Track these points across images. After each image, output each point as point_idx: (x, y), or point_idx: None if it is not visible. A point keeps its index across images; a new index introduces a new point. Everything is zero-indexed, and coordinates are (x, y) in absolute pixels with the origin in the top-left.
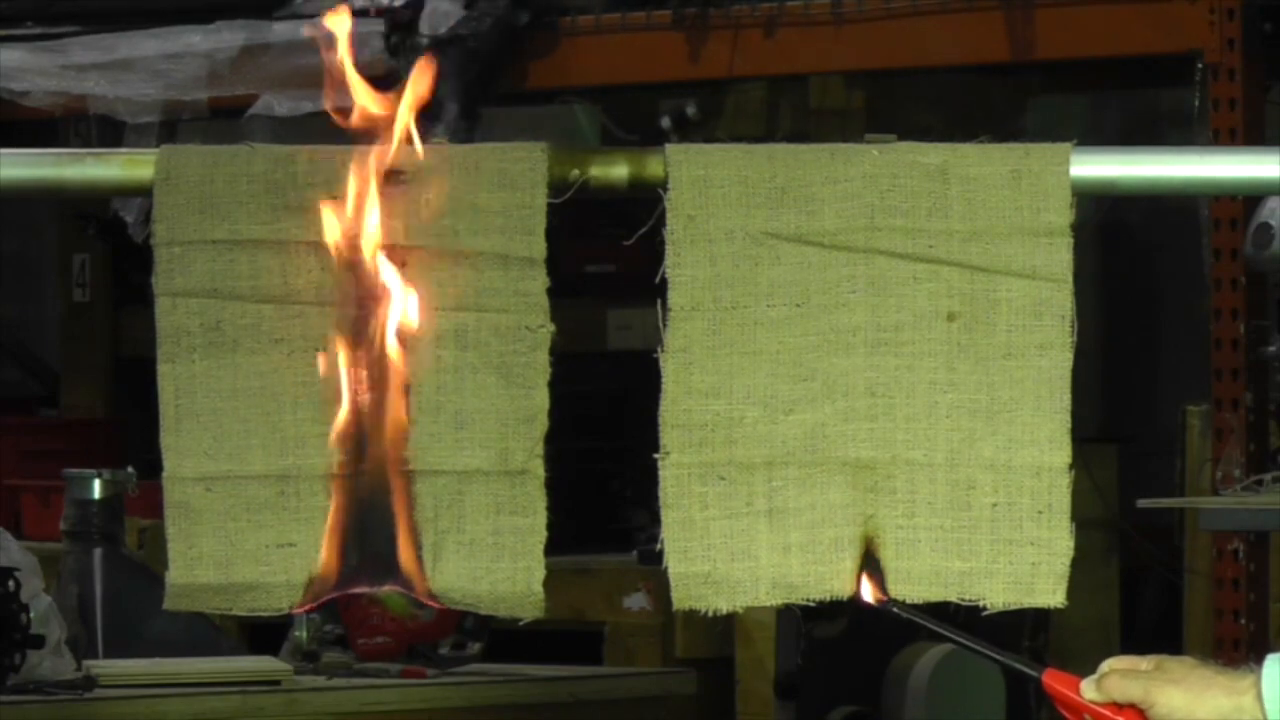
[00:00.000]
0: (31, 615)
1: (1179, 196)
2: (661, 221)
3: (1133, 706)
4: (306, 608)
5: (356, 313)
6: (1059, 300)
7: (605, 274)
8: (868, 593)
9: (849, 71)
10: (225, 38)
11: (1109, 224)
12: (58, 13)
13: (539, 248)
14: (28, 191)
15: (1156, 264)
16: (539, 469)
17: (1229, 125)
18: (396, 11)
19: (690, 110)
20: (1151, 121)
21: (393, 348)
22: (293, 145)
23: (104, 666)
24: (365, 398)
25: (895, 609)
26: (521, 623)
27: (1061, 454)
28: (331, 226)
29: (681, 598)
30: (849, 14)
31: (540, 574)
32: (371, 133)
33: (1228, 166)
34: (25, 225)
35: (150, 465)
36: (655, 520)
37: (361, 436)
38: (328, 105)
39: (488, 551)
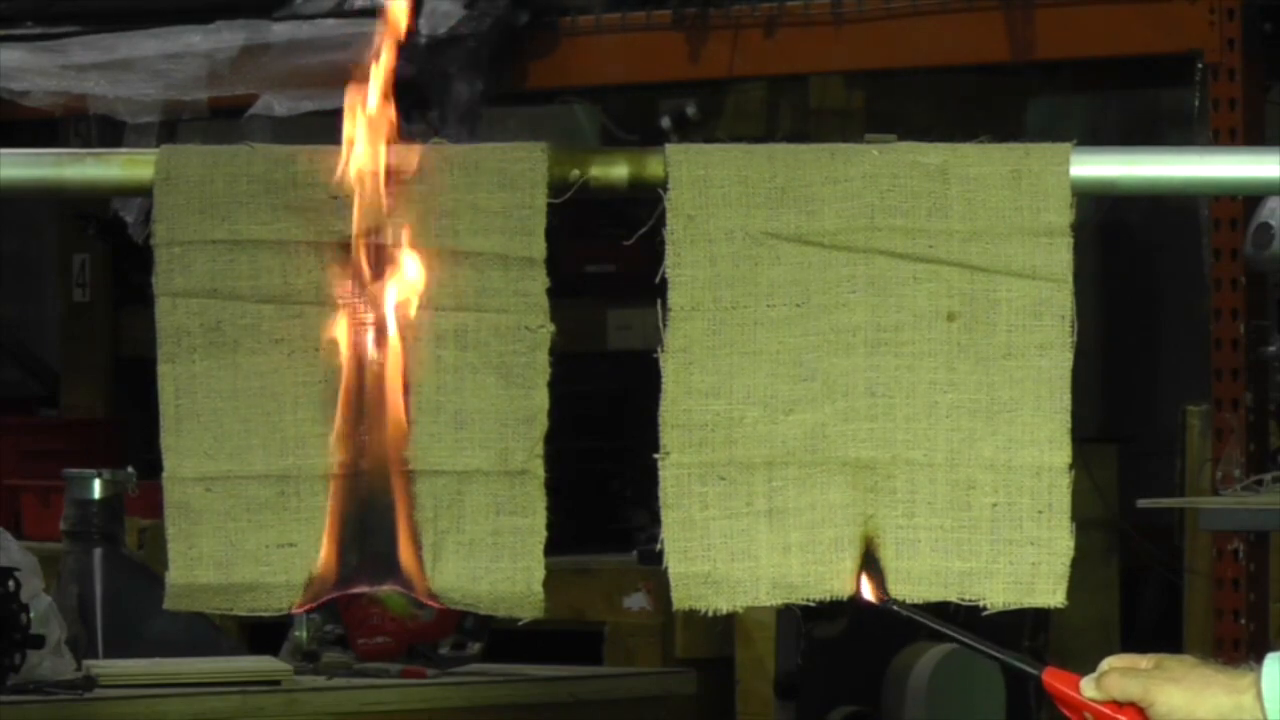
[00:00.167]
0: (31, 615)
1: (1179, 196)
2: (661, 221)
3: (1132, 705)
4: (306, 608)
5: (357, 313)
6: (1059, 300)
7: (605, 274)
8: (868, 593)
9: (849, 71)
10: (225, 38)
11: (1109, 224)
12: (58, 13)
13: (539, 248)
14: (28, 191)
15: (1156, 264)
16: (539, 469)
17: (1229, 125)
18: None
19: (690, 110)
20: (1151, 121)
21: (393, 348)
22: (293, 145)
23: (104, 666)
24: (365, 398)
25: (895, 609)
26: (521, 623)
27: (1061, 454)
28: (331, 226)
29: (681, 598)
30: (849, 14)
31: (540, 574)
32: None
33: (1228, 166)
34: (25, 225)
35: (150, 465)
36: (655, 520)
37: (361, 436)
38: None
39: (487, 551)
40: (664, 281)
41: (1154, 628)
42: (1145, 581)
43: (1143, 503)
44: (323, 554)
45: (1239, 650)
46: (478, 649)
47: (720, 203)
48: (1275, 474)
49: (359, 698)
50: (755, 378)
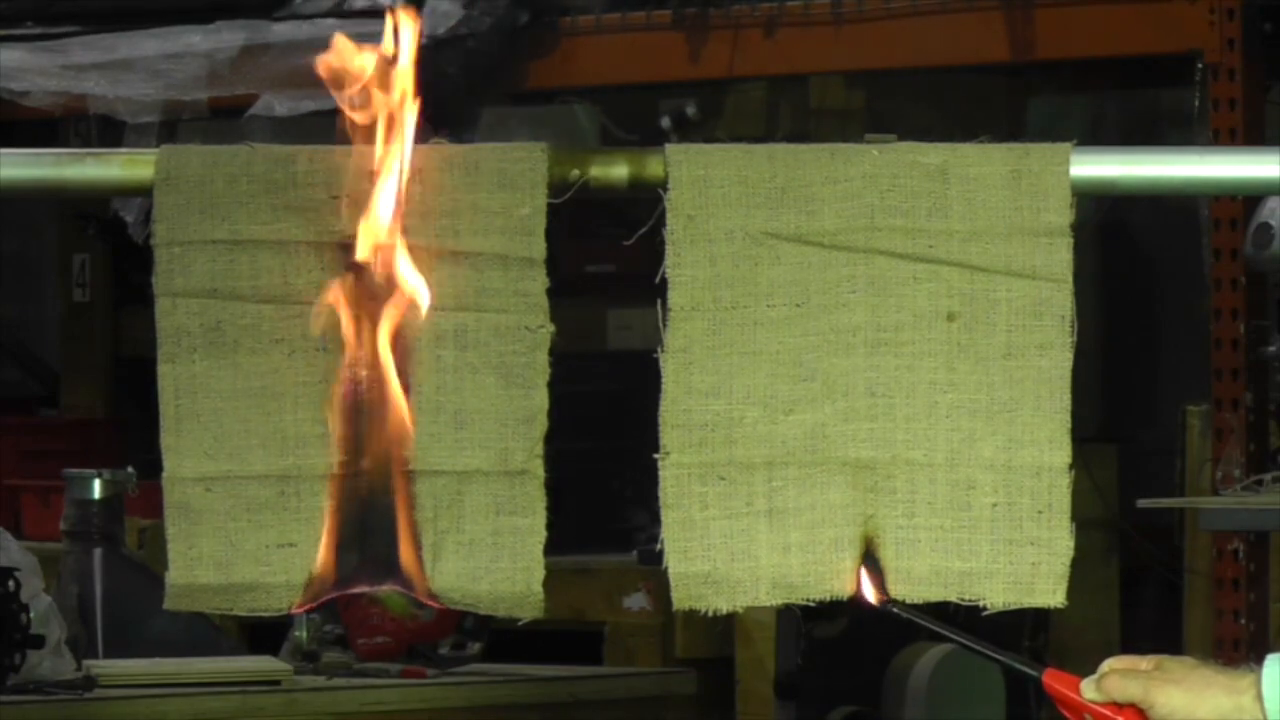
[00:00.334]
0: (31, 615)
1: (1179, 196)
2: (661, 221)
3: (1133, 706)
4: (306, 608)
5: (357, 313)
6: (1059, 300)
7: (605, 274)
8: (868, 593)
9: (849, 71)
10: (225, 38)
11: (1109, 224)
12: (58, 13)
13: (539, 248)
14: (28, 191)
15: (1156, 264)
16: (539, 469)
17: (1229, 125)
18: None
19: (690, 110)
20: (1151, 121)
21: (393, 348)
22: (293, 145)
23: (104, 666)
24: (365, 398)
25: (895, 609)
26: (521, 623)
27: (1061, 454)
28: (331, 226)
29: (681, 598)
30: (849, 14)
31: (540, 574)
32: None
33: (1228, 166)
34: (25, 225)
35: (150, 465)
36: (655, 520)
37: (361, 436)
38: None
39: (487, 551)
40: (664, 281)
41: (1154, 628)
42: (1145, 582)
43: (1143, 503)
44: (322, 554)
45: (1239, 650)
46: (478, 649)
47: (720, 203)
48: (1275, 474)
49: (359, 698)
50: (755, 378)
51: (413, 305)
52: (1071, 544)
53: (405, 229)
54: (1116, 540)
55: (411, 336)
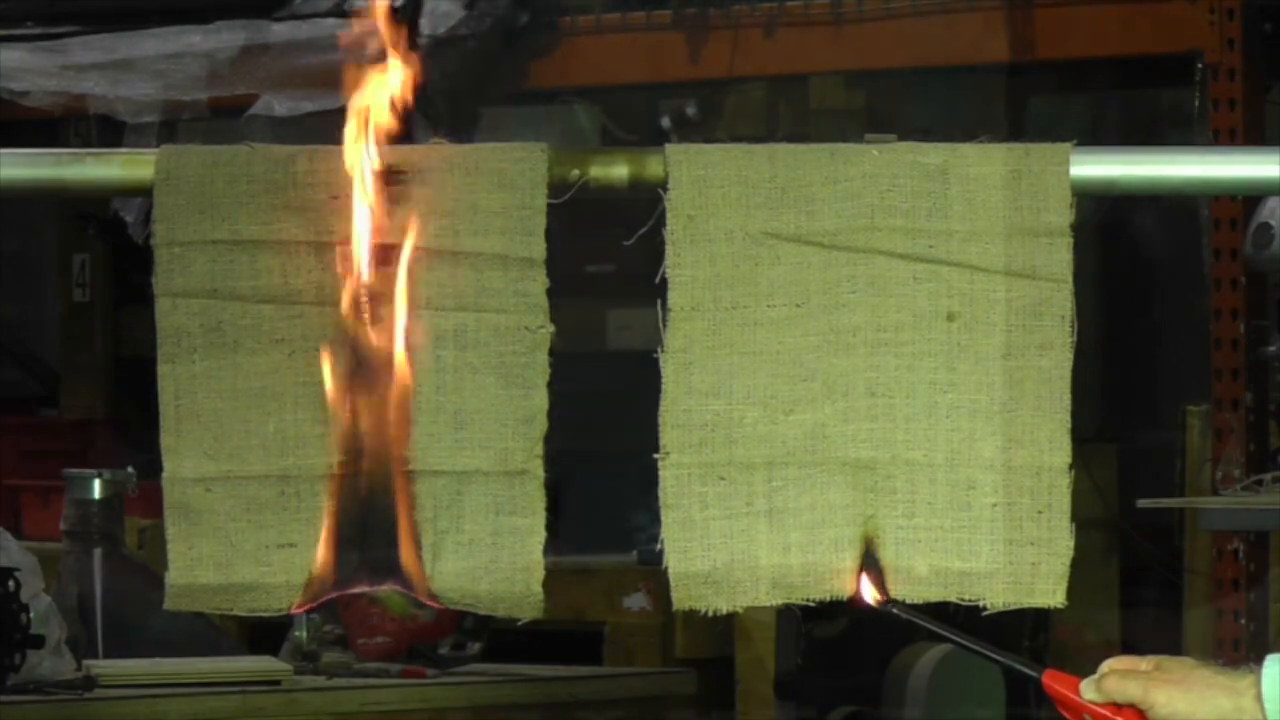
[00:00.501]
0: (31, 615)
1: (1179, 196)
2: (661, 221)
3: (1132, 706)
4: (306, 608)
5: (356, 313)
6: (1059, 300)
7: (605, 274)
8: (868, 593)
9: (849, 71)
10: (225, 38)
11: (1109, 224)
12: (58, 13)
13: (539, 248)
14: (28, 191)
15: (1156, 264)
16: (538, 469)
17: (1229, 125)
18: (396, 12)
19: (690, 110)
20: (1151, 121)
21: (393, 348)
22: (293, 145)
23: (104, 666)
24: (365, 398)
25: (895, 609)
26: (521, 623)
27: (1061, 454)
28: (331, 226)
29: (681, 598)
30: (849, 14)
31: (539, 574)
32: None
33: (1228, 166)
34: (25, 225)
35: (150, 465)
36: (655, 520)
37: (361, 436)
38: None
39: (487, 552)
40: (664, 281)
41: (1154, 628)
42: (1145, 581)
43: (1143, 503)
44: (322, 554)
45: (1239, 650)
46: (478, 649)
47: (720, 203)
48: (1275, 474)
49: (359, 698)
50: (755, 378)
51: (412, 305)
52: (1071, 544)
53: (405, 229)
54: (1116, 540)
55: (411, 336)
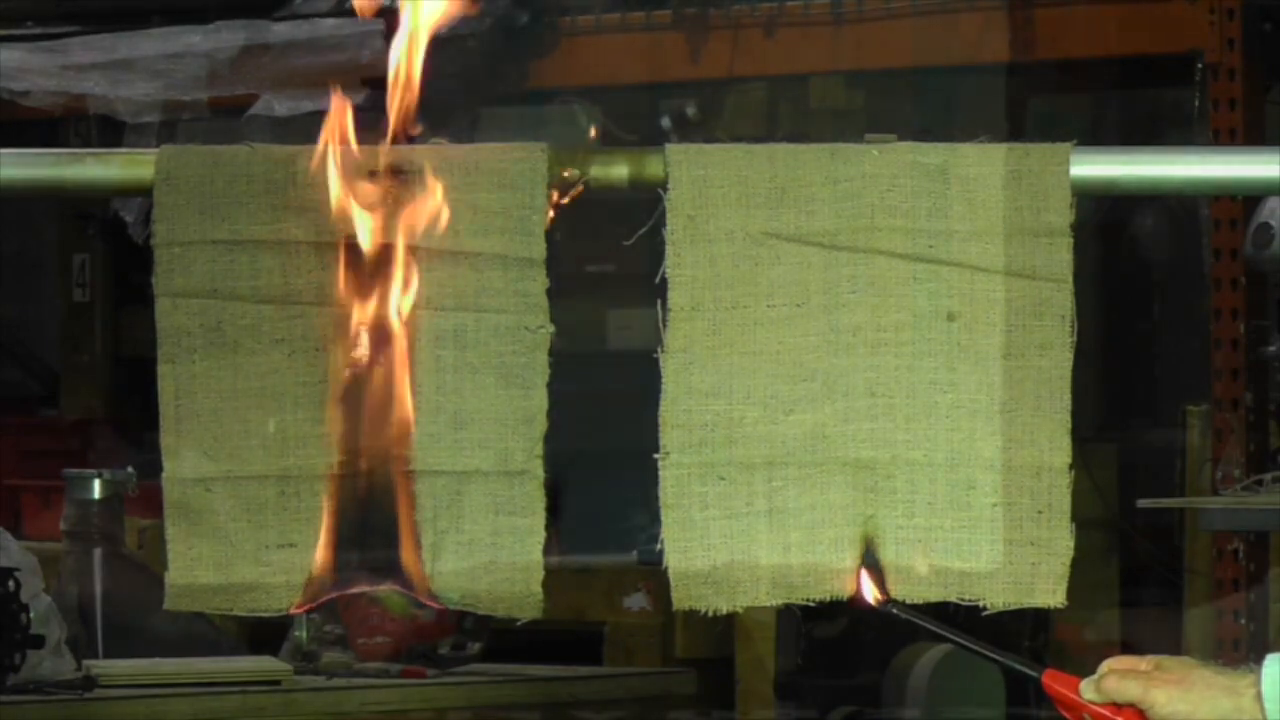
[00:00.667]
0: (31, 615)
1: (1179, 196)
2: (661, 221)
3: (1132, 706)
4: (306, 608)
5: (357, 313)
6: (1059, 300)
7: (605, 274)
8: (868, 593)
9: (849, 71)
10: (225, 38)
11: (1109, 224)
12: (58, 13)
13: (539, 248)
14: (28, 191)
15: (1156, 264)
16: (538, 469)
17: (1229, 125)
18: (396, 12)
19: (690, 110)
20: (1151, 121)
21: (393, 348)
22: (293, 145)
23: (104, 666)
24: (365, 398)
25: (895, 609)
26: (521, 623)
27: (1061, 454)
28: (331, 226)
29: (681, 598)
30: (849, 14)
31: (539, 574)
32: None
33: (1228, 166)
34: (25, 225)
35: (150, 465)
36: (655, 520)
37: (361, 436)
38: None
39: (487, 552)
40: (664, 281)
41: (1154, 628)
42: (1145, 581)
43: (1143, 503)
44: (322, 554)
45: (1239, 650)
46: (478, 649)
47: (720, 203)
48: (1275, 474)
49: (359, 698)
50: (755, 378)
51: (412, 305)
52: (1071, 544)
53: (405, 229)
54: (1116, 540)
55: (411, 336)
